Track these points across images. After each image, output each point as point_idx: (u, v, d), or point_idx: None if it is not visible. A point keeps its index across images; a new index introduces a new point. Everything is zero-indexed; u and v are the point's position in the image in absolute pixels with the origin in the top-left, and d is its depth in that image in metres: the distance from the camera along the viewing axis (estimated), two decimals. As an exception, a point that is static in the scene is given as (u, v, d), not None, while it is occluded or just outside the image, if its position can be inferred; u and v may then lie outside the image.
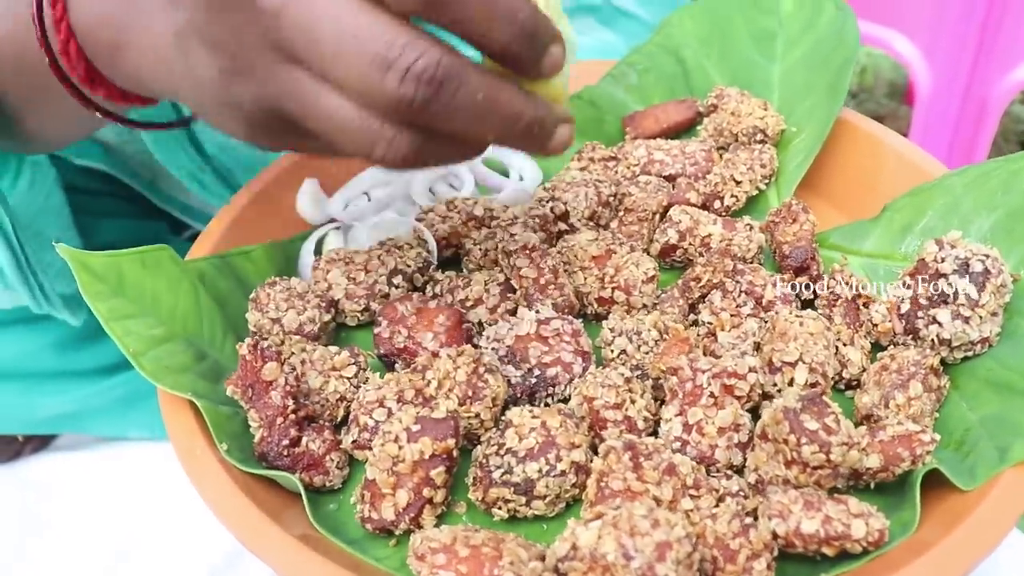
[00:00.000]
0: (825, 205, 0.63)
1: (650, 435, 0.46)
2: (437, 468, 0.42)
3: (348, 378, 0.49)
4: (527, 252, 0.53)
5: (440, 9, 0.34)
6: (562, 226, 0.59)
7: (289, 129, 0.39)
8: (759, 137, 0.63)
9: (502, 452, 0.43)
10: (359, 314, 0.55)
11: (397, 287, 0.55)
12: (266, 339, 0.52)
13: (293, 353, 0.50)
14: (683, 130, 0.68)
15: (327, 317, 0.53)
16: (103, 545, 0.68)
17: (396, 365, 0.51)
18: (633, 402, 0.46)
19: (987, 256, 0.48)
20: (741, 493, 0.43)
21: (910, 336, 0.50)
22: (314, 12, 0.34)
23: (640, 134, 0.67)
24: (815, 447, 0.40)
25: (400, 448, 0.42)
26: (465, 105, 0.35)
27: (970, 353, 0.49)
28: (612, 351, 0.50)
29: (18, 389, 0.73)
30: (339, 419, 0.48)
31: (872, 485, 0.44)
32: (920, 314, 0.49)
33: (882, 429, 0.44)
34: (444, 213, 0.60)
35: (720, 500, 0.42)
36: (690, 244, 0.57)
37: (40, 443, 0.76)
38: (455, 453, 0.43)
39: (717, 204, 0.60)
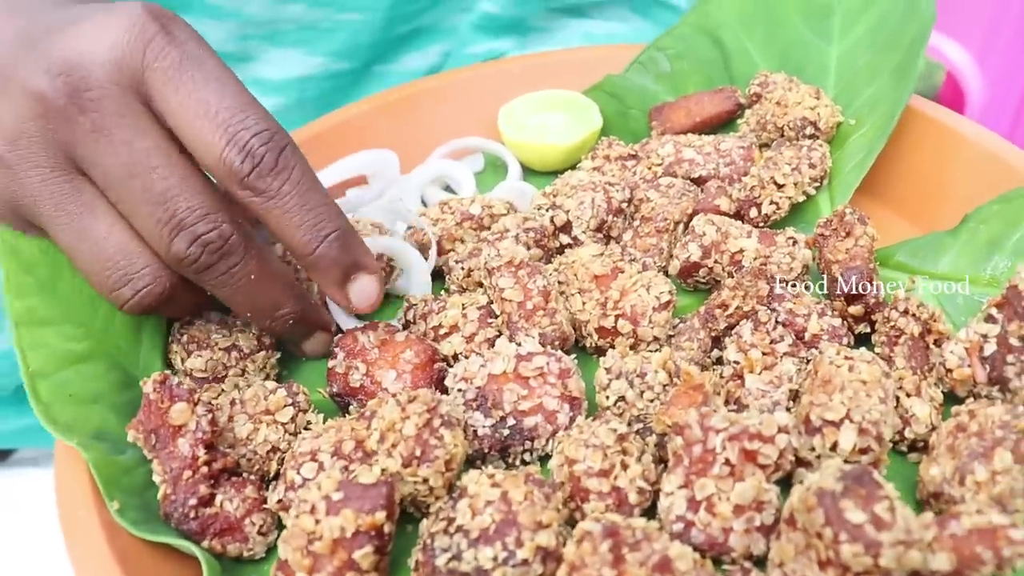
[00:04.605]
0: (891, 214, 0.53)
1: (646, 512, 0.36)
2: (363, 548, 0.33)
3: (282, 424, 0.40)
4: (512, 269, 0.44)
5: (256, 201, 0.38)
6: (564, 239, 0.49)
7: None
8: (809, 131, 0.52)
9: (451, 530, 0.34)
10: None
11: None
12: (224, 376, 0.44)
13: (223, 391, 0.41)
14: (721, 124, 0.57)
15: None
16: (58, 561, 0.62)
17: (351, 408, 0.43)
18: (625, 468, 0.36)
19: (1103, 285, 0.36)
20: (761, 595, 0.33)
21: (996, 387, 0.39)
22: (120, 135, 0.36)
23: (668, 129, 0.57)
24: (859, 547, 0.30)
25: (317, 522, 0.33)
26: (236, 281, 0.39)
27: (1079, 412, 0.37)
28: (608, 397, 0.40)
29: None
30: (272, 474, 0.40)
31: (940, 591, 0.33)
32: (1011, 359, 0.38)
33: (955, 518, 0.33)
34: (437, 216, 0.51)
35: (731, 607, 0.32)
36: (716, 262, 0.46)
37: None
38: (387, 529, 0.33)
39: (753, 212, 0.49)
